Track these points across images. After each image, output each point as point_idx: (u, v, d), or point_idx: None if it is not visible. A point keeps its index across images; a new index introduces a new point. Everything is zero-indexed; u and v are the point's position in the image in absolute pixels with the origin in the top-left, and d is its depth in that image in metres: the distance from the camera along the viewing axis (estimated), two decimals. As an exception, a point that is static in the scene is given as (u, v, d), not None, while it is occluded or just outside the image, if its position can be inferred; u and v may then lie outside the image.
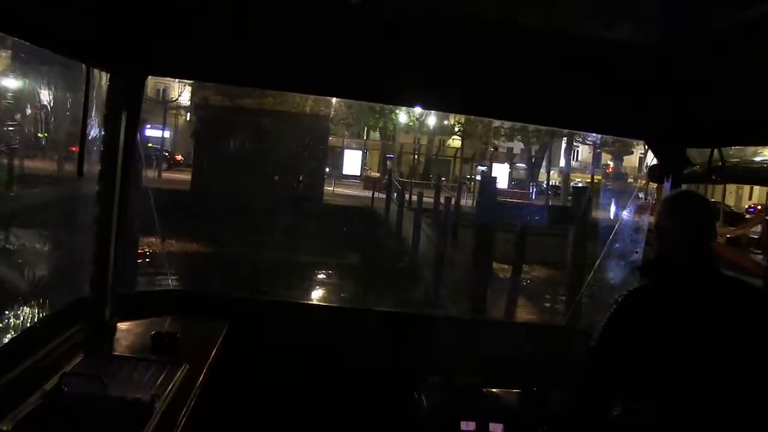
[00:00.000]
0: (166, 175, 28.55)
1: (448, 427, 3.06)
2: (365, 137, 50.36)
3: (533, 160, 43.71)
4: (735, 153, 3.65)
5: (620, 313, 2.25)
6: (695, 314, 2.20)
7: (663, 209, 2.40)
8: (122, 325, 3.43)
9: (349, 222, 22.05)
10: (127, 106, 3.16)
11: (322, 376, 3.87)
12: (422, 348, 3.88)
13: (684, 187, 3.56)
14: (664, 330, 2.18)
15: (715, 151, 3.38)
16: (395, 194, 26.13)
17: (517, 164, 48.58)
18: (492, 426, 3.05)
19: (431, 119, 40.13)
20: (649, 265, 2.47)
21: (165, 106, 33.09)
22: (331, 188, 31.23)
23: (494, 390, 3.35)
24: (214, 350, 3.28)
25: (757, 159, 3.67)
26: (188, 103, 35.49)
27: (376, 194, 29.64)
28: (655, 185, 3.91)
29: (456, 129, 45.09)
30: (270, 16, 2.96)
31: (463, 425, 3.04)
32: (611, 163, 48.99)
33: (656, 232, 2.42)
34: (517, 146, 50.04)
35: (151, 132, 35.15)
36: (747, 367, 2.16)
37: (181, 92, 34.29)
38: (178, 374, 2.84)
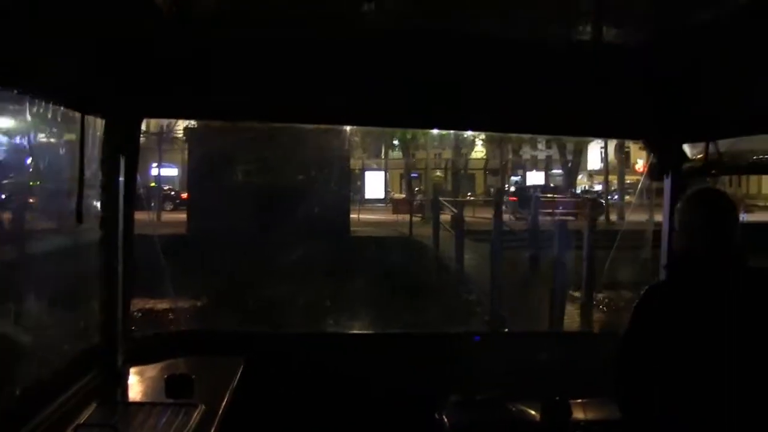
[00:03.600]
0: (168, 216, 24.96)
1: None
2: (383, 156, 47.90)
3: (569, 165, 41.17)
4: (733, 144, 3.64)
5: (643, 308, 2.34)
6: (718, 308, 2.23)
7: (683, 206, 2.46)
8: (135, 370, 3.43)
9: (394, 261, 16.62)
10: (125, 150, 3.17)
11: (342, 405, 3.82)
12: (442, 367, 3.84)
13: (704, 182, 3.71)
14: (686, 324, 2.24)
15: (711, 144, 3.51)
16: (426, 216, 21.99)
17: (553, 170, 47.29)
18: None
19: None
20: (674, 261, 2.58)
21: (160, 139, 29.70)
22: (356, 215, 27.36)
23: (516, 403, 3.36)
24: (230, 388, 3.26)
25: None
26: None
27: (407, 217, 26.22)
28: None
29: (479, 138, 42.67)
30: (263, 50, 3.04)
31: None
32: (641, 161, 46.67)
33: (679, 229, 2.44)
34: (541, 153, 49.94)
35: (155, 171, 32.33)
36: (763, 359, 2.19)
37: (173, 124, 30.67)
38: (195, 416, 2.86)
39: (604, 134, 4.73)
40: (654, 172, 3.72)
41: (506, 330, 11.21)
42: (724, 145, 3.50)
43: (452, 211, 20.72)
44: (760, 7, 2.25)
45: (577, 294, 13.03)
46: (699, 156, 3.56)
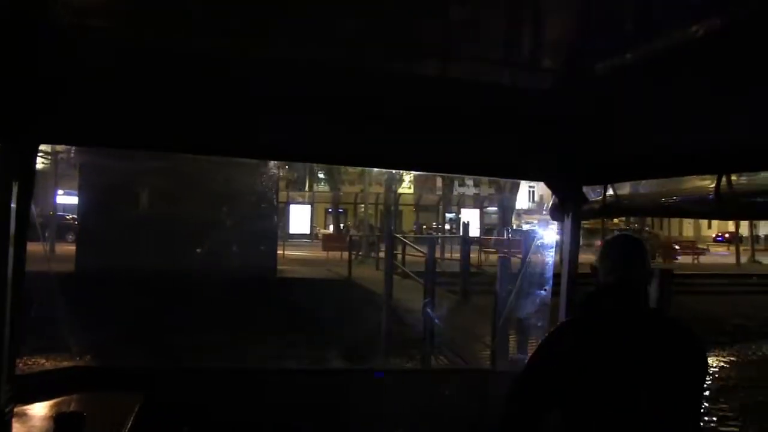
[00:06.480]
0: (66, 248, 21.34)
1: None
2: (308, 189, 46.41)
3: (504, 202, 41.44)
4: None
5: (548, 345, 2.39)
6: (618, 347, 2.29)
7: (600, 250, 2.57)
8: (21, 410, 3.16)
9: (338, 315, 12.59)
10: (19, 176, 2.89)
11: None
12: (344, 404, 3.84)
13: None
14: (587, 362, 2.27)
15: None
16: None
17: (488, 208, 47.24)
18: None
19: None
20: (584, 299, 2.54)
21: (56, 163, 26.37)
22: (281, 251, 24.40)
23: None
24: (128, 426, 3.14)
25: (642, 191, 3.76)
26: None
27: (338, 254, 24.56)
28: None
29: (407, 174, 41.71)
30: (170, 71, 2.90)
31: None
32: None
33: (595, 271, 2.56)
34: (469, 190, 50.51)
35: (61, 199, 31.85)
36: (665, 399, 2.26)
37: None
38: None
39: (506, 175, 4.67)
40: (555, 213, 3.79)
41: (408, 366, 11.37)
42: (651, 185, 3.61)
43: (412, 248, 17.58)
44: (657, 58, 2.39)
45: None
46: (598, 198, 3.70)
